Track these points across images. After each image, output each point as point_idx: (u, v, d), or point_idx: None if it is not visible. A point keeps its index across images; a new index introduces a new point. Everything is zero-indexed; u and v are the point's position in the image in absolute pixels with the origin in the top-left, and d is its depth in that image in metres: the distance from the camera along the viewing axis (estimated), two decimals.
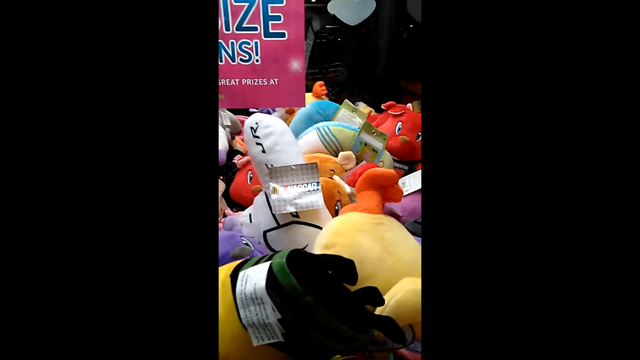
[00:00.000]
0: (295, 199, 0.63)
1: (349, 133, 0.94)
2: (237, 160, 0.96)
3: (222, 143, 1.06)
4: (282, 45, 0.88)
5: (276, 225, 0.65)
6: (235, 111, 1.25)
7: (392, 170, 0.57)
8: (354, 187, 0.67)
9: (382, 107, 1.07)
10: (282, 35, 0.88)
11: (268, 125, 0.65)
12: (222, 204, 0.93)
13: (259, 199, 0.69)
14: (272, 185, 0.63)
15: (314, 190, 0.64)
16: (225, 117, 1.19)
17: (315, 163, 0.66)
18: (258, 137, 0.64)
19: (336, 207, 0.76)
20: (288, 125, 1.15)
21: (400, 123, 1.01)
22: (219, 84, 0.87)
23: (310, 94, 1.37)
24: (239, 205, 0.91)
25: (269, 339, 0.38)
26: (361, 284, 0.46)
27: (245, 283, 0.39)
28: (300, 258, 0.39)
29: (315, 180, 0.65)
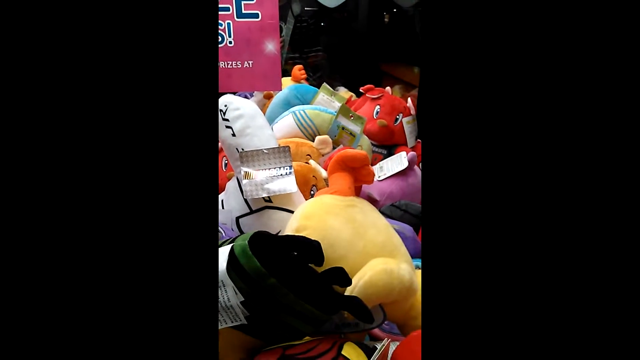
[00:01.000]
0: (267, 183, 0.62)
1: (326, 117, 0.92)
2: None
3: None
4: (255, 26, 0.85)
5: (249, 211, 0.64)
6: None
7: (363, 152, 0.56)
8: None
9: (360, 90, 1.06)
10: (256, 16, 0.86)
11: (238, 107, 0.64)
12: None
13: (231, 184, 0.67)
14: (244, 169, 0.62)
15: (286, 174, 0.63)
16: None
17: (288, 146, 0.65)
18: (227, 119, 0.63)
19: (312, 192, 0.75)
20: (265, 110, 1.13)
21: (378, 107, 1.00)
22: None
23: (290, 78, 1.34)
24: None
25: (232, 322, 0.37)
26: (332, 265, 0.45)
27: None
28: (263, 240, 0.39)
29: (288, 164, 0.64)
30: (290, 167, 0.64)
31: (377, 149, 1.01)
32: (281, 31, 1.76)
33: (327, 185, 0.76)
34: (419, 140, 1.06)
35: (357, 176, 0.57)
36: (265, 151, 0.63)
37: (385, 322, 0.51)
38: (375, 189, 0.84)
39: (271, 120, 0.98)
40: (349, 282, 0.43)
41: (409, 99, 1.05)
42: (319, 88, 1.10)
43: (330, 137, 0.89)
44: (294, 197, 0.65)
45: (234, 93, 1.20)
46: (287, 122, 0.93)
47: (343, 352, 0.37)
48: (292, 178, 0.63)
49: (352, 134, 0.92)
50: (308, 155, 0.86)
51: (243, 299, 0.36)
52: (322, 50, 1.77)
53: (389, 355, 0.42)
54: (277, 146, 0.65)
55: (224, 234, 0.59)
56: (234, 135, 0.63)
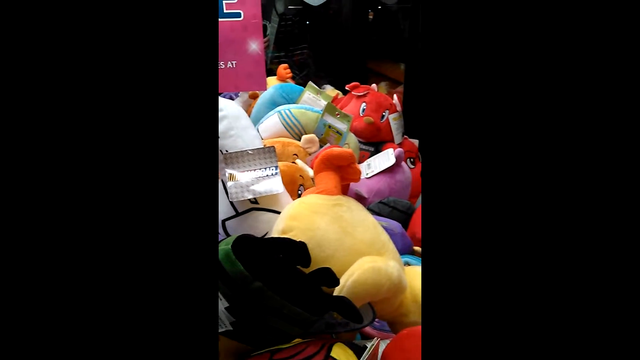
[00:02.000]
0: (252, 184, 0.61)
1: (312, 116, 0.91)
2: None
3: None
4: (238, 25, 0.84)
5: (235, 214, 0.63)
6: None
7: (349, 150, 0.56)
8: None
9: (346, 88, 1.06)
10: (238, 15, 0.84)
11: (221, 108, 0.63)
12: None
13: None
14: (228, 171, 0.61)
15: (272, 174, 0.62)
16: None
17: (273, 147, 0.64)
18: None
19: (299, 192, 0.74)
20: (251, 110, 1.12)
21: (364, 104, 1.00)
22: None
23: (275, 77, 1.33)
24: None
25: (218, 329, 0.36)
26: (320, 265, 0.45)
27: None
28: (247, 243, 0.38)
29: (273, 164, 0.63)
30: (276, 167, 0.63)
31: (364, 147, 1.01)
32: (265, 30, 1.75)
33: (314, 185, 0.76)
34: (405, 136, 1.06)
35: (344, 174, 0.56)
36: (249, 152, 0.62)
37: (376, 320, 0.51)
38: (364, 186, 0.84)
39: (257, 121, 0.97)
40: (337, 282, 0.42)
41: (395, 96, 1.04)
42: (305, 87, 1.09)
43: (316, 135, 0.88)
44: (280, 197, 0.64)
45: (219, 94, 1.18)
46: (272, 122, 0.92)
47: (332, 354, 0.37)
48: (278, 178, 0.62)
49: (338, 132, 0.92)
50: (295, 154, 0.85)
51: (228, 305, 0.36)
52: (308, 49, 1.76)
53: (379, 355, 0.42)
54: (262, 147, 0.64)
55: None
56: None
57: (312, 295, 0.40)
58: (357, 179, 0.57)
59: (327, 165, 0.56)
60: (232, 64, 0.86)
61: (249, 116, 1.07)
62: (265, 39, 1.78)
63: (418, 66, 1.07)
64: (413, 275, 0.53)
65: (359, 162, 0.95)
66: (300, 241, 0.41)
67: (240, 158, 0.62)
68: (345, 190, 0.60)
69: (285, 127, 0.90)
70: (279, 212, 0.62)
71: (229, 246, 0.36)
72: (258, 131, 0.93)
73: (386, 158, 0.85)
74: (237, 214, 0.63)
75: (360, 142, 0.99)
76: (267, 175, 0.62)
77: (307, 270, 0.44)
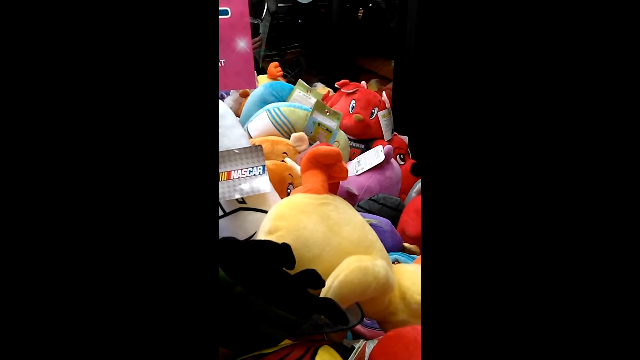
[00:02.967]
0: (240, 184, 0.60)
1: (301, 113, 0.91)
2: None
3: None
4: (225, 23, 0.83)
5: (222, 214, 0.62)
6: None
7: (335, 148, 0.55)
8: None
9: (336, 85, 1.05)
10: (225, 12, 0.83)
11: None
12: None
13: None
14: None
15: (259, 173, 0.62)
16: None
17: (260, 145, 0.63)
18: None
19: (288, 190, 0.74)
20: (242, 109, 1.10)
21: (353, 101, 0.99)
22: None
23: (266, 75, 1.32)
24: None
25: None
26: (307, 265, 0.44)
27: None
28: (227, 248, 0.37)
29: (261, 163, 0.62)
30: (263, 166, 0.62)
31: (354, 144, 1.00)
32: (258, 29, 1.74)
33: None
34: (395, 133, 1.05)
35: (331, 173, 0.56)
36: (236, 151, 0.61)
37: (366, 318, 0.51)
38: (354, 183, 0.83)
39: (247, 119, 0.96)
40: (322, 284, 0.41)
41: (384, 93, 1.04)
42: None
43: (306, 133, 0.88)
44: (268, 197, 0.63)
45: None
46: (262, 120, 0.91)
47: (317, 358, 0.36)
48: (266, 177, 0.62)
49: (328, 130, 0.91)
50: (284, 153, 0.84)
51: None
52: (299, 47, 1.75)
53: (366, 356, 0.41)
54: (249, 145, 0.63)
55: None
56: None
57: (297, 298, 0.39)
58: (344, 177, 0.56)
59: (313, 164, 0.55)
60: (220, 62, 0.85)
61: (240, 114, 1.06)
62: (258, 37, 1.77)
63: (406, 63, 1.06)
64: (401, 273, 0.53)
65: (350, 159, 0.94)
66: (283, 243, 0.40)
67: (227, 157, 0.61)
68: (335, 188, 0.59)
69: (274, 126, 0.89)
70: (266, 212, 0.62)
71: None
72: (247, 130, 0.92)
73: (375, 155, 0.85)
74: (225, 214, 0.62)
75: (350, 139, 0.99)
76: (255, 175, 0.61)
77: (294, 271, 0.43)
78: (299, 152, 0.85)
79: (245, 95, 1.19)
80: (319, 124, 0.90)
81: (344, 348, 0.41)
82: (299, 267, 0.44)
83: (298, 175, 0.76)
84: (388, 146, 0.84)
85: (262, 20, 1.71)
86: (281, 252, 0.39)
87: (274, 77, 1.29)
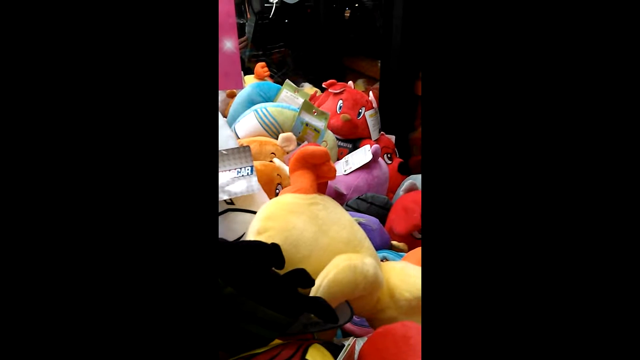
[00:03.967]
0: (228, 185, 0.60)
1: (289, 114, 0.91)
2: None
3: None
4: None
5: None
6: None
7: (323, 148, 0.55)
8: None
9: (323, 85, 1.05)
10: None
11: None
12: None
13: None
14: None
15: (247, 174, 0.61)
16: None
17: (248, 146, 0.63)
18: None
19: (277, 191, 0.74)
20: (229, 109, 1.10)
21: (341, 101, 0.99)
22: None
23: (253, 75, 1.31)
24: None
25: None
26: (297, 265, 0.44)
27: None
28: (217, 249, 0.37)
29: (249, 164, 0.62)
30: (252, 167, 0.62)
31: (342, 144, 1.01)
32: (243, 29, 1.73)
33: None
34: (382, 132, 1.06)
35: (319, 173, 0.56)
36: (224, 152, 0.61)
37: (355, 316, 0.51)
38: (342, 183, 0.84)
39: (235, 119, 0.95)
40: (312, 283, 0.42)
41: (371, 92, 1.05)
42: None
43: (294, 134, 0.88)
44: (257, 197, 0.63)
45: None
46: (249, 121, 0.90)
47: (307, 356, 0.36)
48: (254, 178, 0.61)
49: (316, 130, 0.91)
50: (272, 153, 0.84)
51: None
52: (286, 46, 1.74)
53: (356, 354, 0.42)
54: (237, 146, 0.62)
55: None
56: None
57: (287, 298, 0.39)
58: (333, 177, 0.57)
59: (302, 164, 0.55)
60: None
61: (227, 115, 1.06)
62: (244, 37, 1.76)
63: (392, 63, 1.07)
64: (389, 271, 0.53)
65: (338, 159, 0.95)
66: (272, 243, 0.41)
67: None
68: (323, 188, 0.60)
69: (262, 126, 0.89)
70: (255, 213, 0.62)
71: None
72: (235, 130, 0.92)
73: (363, 154, 0.85)
74: None
75: (338, 139, 0.99)
76: (243, 175, 0.61)
77: (284, 271, 0.43)
78: (287, 153, 0.85)
79: (232, 95, 1.18)
80: (307, 124, 0.91)
81: (334, 346, 0.42)
82: (288, 267, 0.44)
83: (286, 176, 0.76)
84: (375, 145, 0.85)
85: (247, 20, 1.70)
86: (271, 253, 0.39)
87: (261, 78, 1.29)
